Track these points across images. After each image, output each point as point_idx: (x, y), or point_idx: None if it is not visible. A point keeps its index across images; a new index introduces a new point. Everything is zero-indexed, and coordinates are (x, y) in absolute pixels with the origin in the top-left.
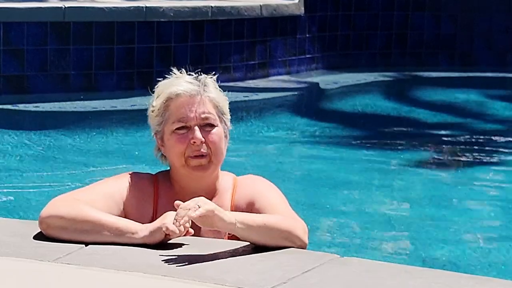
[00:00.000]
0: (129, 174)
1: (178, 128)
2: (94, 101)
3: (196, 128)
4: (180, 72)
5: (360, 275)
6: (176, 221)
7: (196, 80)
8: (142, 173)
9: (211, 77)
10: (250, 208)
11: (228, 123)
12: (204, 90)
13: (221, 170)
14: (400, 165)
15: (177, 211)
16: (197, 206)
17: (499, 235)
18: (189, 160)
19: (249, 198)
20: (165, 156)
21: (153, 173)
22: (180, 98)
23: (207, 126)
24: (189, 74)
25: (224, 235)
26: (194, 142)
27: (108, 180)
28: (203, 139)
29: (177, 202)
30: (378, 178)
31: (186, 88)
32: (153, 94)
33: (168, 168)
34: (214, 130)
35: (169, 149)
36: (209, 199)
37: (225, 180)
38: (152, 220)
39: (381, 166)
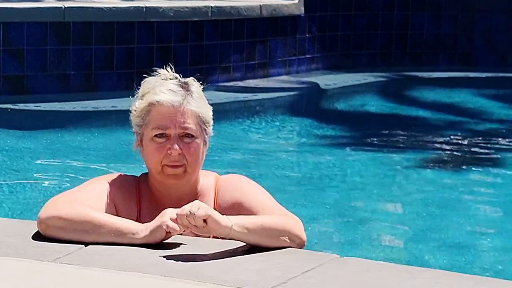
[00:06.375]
0: (115, 174)
1: (157, 136)
2: (94, 101)
3: (175, 139)
4: (166, 70)
5: (360, 275)
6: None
7: (181, 88)
8: (125, 174)
9: (197, 84)
10: (237, 208)
11: (210, 130)
12: (187, 101)
13: (206, 170)
14: (401, 165)
15: (178, 219)
16: (193, 213)
17: (500, 235)
18: (165, 168)
19: (234, 198)
20: None
21: (137, 175)
22: (163, 106)
23: (186, 137)
24: (174, 73)
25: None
26: (171, 153)
27: (97, 180)
28: (180, 151)
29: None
30: (378, 178)
31: (169, 99)
32: (138, 91)
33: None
34: (193, 142)
35: (146, 155)
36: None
37: (207, 180)
38: (137, 220)
39: (381, 166)
